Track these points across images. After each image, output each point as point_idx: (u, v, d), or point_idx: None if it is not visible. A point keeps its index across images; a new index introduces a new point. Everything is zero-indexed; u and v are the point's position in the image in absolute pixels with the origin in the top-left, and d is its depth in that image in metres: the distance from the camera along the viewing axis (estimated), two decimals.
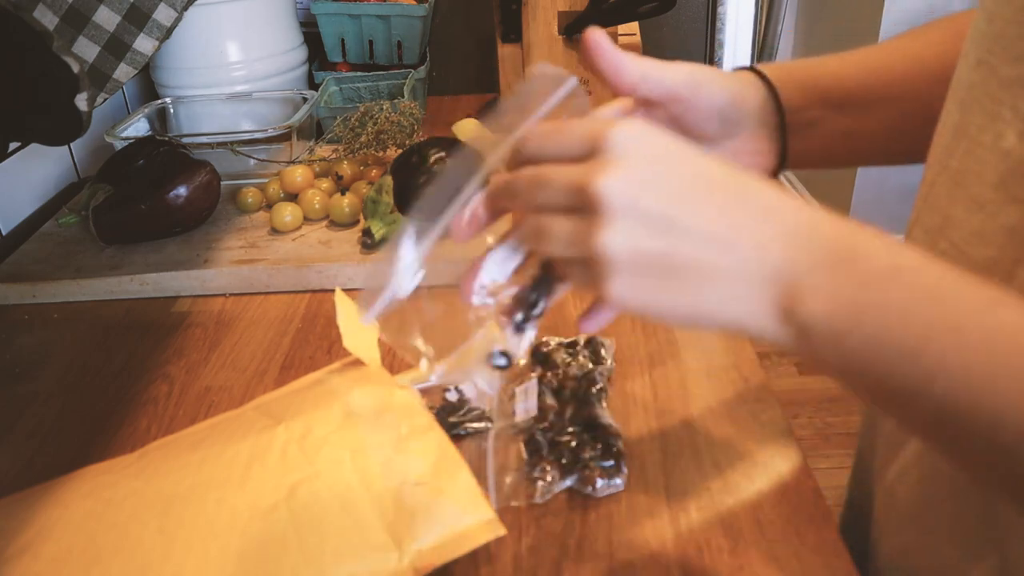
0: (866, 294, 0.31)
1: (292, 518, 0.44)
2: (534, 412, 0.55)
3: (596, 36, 0.41)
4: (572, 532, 0.49)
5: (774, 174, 0.49)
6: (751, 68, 0.49)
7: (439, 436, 0.48)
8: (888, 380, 0.31)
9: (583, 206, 0.33)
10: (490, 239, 0.39)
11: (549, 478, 0.50)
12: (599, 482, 0.50)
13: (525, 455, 0.53)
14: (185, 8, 0.79)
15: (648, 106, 0.45)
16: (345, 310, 0.55)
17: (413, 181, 0.77)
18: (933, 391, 0.30)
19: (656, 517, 0.49)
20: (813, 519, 0.48)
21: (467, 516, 0.44)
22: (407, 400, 0.51)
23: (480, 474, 0.51)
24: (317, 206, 0.85)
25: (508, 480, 0.51)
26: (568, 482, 0.51)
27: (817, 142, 0.50)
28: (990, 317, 0.30)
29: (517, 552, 0.47)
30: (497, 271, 0.38)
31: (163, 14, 0.77)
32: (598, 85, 1.07)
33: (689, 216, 0.32)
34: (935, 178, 0.42)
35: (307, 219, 0.85)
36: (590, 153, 0.34)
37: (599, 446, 0.52)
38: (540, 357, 0.60)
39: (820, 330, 0.32)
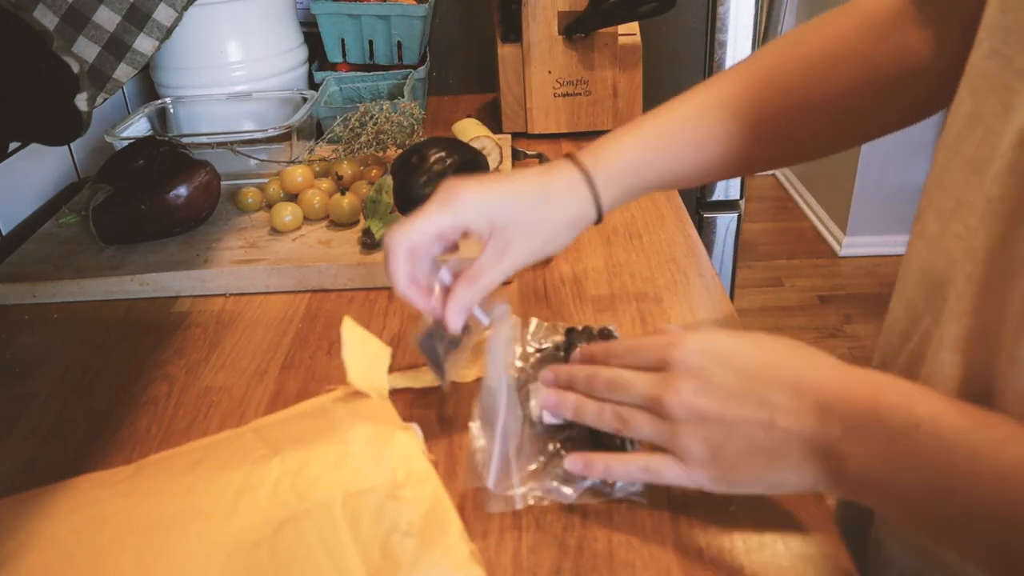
0: (893, 448, 0.39)
1: (274, 558, 0.43)
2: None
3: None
4: (572, 532, 0.49)
5: (597, 222, 0.58)
6: (586, 178, 0.56)
7: (434, 485, 0.47)
8: (925, 514, 0.39)
9: (657, 411, 0.45)
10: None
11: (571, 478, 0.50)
12: (617, 483, 0.50)
13: (543, 456, 0.52)
14: (185, 8, 0.79)
15: None
16: (352, 341, 0.53)
17: (413, 181, 0.77)
18: (960, 516, 0.37)
19: (656, 517, 0.49)
20: (813, 519, 0.48)
21: (453, 574, 0.43)
22: (407, 443, 0.50)
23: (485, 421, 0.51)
24: (317, 206, 0.85)
25: (531, 468, 0.51)
26: (588, 482, 0.50)
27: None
28: (1001, 451, 0.36)
29: (517, 552, 0.47)
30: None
31: (163, 14, 0.77)
32: (598, 85, 1.07)
33: (735, 410, 0.43)
34: (947, 163, 0.44)
35: (307, 219, 0.85)
36: (660, 366, 0.46)
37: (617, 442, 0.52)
38: (567, 344, 0.59)
39: (864, 484, 0.40)
